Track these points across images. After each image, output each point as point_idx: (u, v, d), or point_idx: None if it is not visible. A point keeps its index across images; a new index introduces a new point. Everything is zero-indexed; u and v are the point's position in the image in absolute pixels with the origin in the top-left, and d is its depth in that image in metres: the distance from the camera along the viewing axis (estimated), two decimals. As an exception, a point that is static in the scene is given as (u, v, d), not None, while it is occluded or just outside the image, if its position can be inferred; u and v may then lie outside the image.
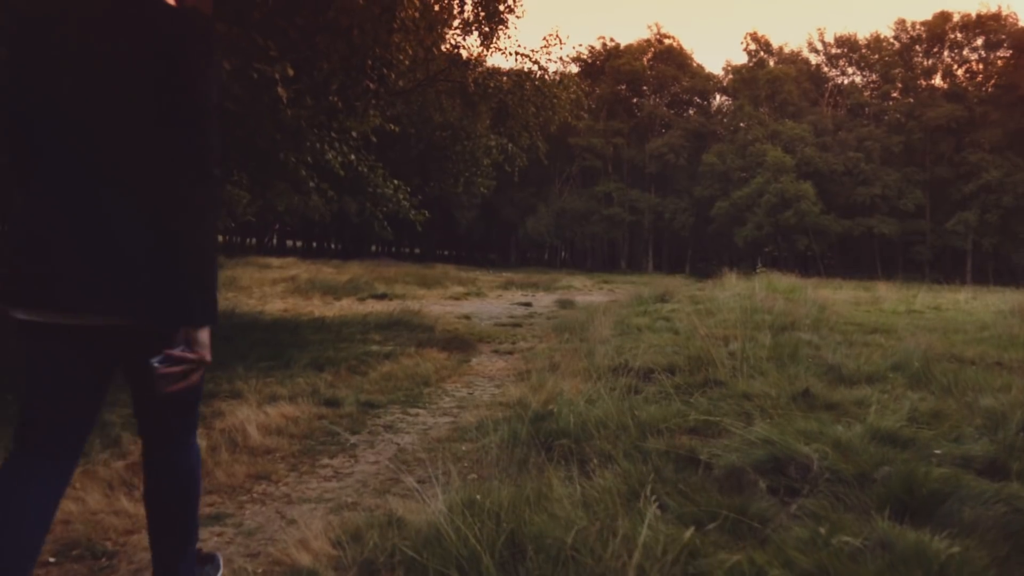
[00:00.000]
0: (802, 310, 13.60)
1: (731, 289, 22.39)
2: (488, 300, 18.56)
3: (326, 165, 6.59)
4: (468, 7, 7.64)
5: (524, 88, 8.73)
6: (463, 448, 4.34)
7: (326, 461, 4.10)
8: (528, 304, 16.71)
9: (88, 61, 1.86)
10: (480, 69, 8.52)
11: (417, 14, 5.56)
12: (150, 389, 1.91)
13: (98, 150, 1.87)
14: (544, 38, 14.36)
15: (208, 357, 1.97)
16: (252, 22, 4.46)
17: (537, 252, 67.82)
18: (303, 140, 5.86)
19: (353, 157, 6.65)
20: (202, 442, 4.12)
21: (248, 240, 51.90)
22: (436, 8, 6.19)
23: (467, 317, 12.95)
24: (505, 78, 8.78)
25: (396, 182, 7.71)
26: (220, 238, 47.34)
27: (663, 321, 11.96)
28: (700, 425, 4.26)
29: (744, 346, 6.91)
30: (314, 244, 60.95)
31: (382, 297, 16.61)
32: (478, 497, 3.05)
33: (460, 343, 9.07)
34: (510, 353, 8.76)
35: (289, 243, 61.94)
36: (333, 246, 61.45)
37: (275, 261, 28.98)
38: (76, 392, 1.95)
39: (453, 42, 7.82)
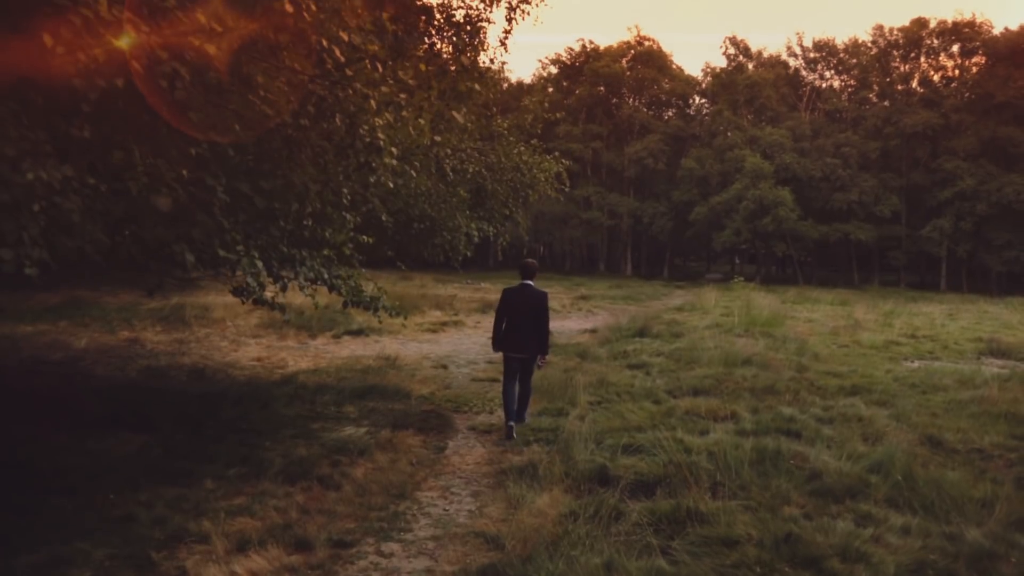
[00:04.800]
0: (781, 356, 13.68)
1: (711, 314, 22.54)
2: (466, 331, 18.46)
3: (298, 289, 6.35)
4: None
5: (502, 166, 8.59)
6: (438, 626, 4.19)
7: (294, 654, 3.93)
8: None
9: (524, 306, 8.61)
10: (457, 152, 8.34)
11: (395, 162, 5.32)
12: (527, 371, 8.75)
13: (519, 319, 8.66)
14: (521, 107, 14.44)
15: (546, 362, 9.24)
16: (216, 201, 4.18)
17: (516, 254, 67.53)
18: (275, 280, 5.64)
19: (326, 275, 6.42)
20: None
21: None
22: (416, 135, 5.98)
23: (444, 366, 12.81)
24: (479, 153, 8.61)
25: (375, 285, 7.49)
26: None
27: (643, 376, 11.91)
28: (683, 603, 4.14)
29: (726, 451, 6.80)
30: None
31: (358, 334, 16.40)
32: None
33: (436, 419, 8.93)
34: (487, 432, 8.61)
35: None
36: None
37: (250, 275, 28.50)
38: (515, 374, 8.62)
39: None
